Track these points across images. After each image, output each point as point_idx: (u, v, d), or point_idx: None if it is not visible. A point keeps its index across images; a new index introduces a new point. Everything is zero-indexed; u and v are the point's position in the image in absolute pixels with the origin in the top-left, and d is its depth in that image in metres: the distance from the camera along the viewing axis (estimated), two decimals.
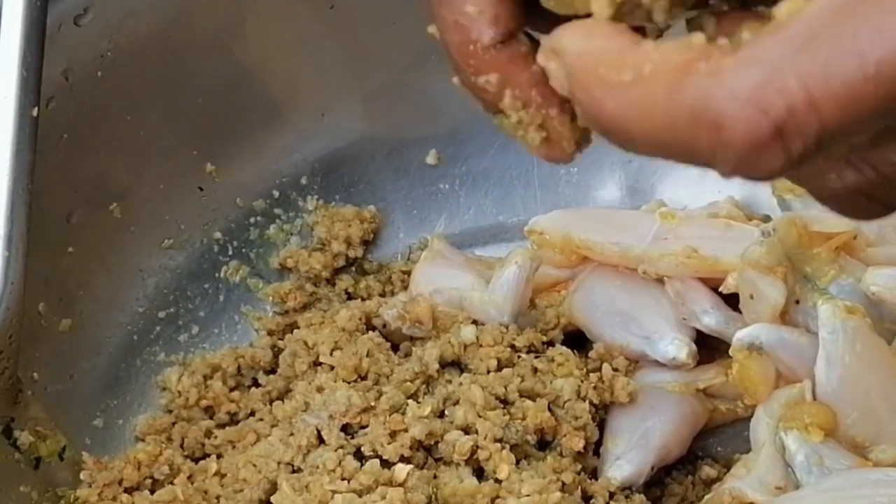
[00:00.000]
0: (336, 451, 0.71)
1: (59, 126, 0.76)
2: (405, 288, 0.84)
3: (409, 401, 0.73)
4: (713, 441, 0.77)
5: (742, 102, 0.35)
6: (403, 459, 0.71)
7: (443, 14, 0.43)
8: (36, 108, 0.70)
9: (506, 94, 0.43)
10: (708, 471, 0.75)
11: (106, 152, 0.80)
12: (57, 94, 0.75)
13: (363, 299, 0.84)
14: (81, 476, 0.76)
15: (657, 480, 0.75)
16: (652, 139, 0.37)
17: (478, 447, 0.71)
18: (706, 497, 0.71)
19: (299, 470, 0.73)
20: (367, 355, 0.76)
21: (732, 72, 0.35)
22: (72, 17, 0.75)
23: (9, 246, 0.69)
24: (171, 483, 0.76)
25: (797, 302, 0.71)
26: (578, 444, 0.72)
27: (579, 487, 0.71)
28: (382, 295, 0.85)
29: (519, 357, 0.76)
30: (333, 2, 0.83)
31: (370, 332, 0.78)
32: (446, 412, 0.73)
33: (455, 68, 0.43)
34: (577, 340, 0.79)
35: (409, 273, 0.85)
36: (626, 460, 0.73)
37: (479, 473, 0.71)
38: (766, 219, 0.81)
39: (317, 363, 0.79)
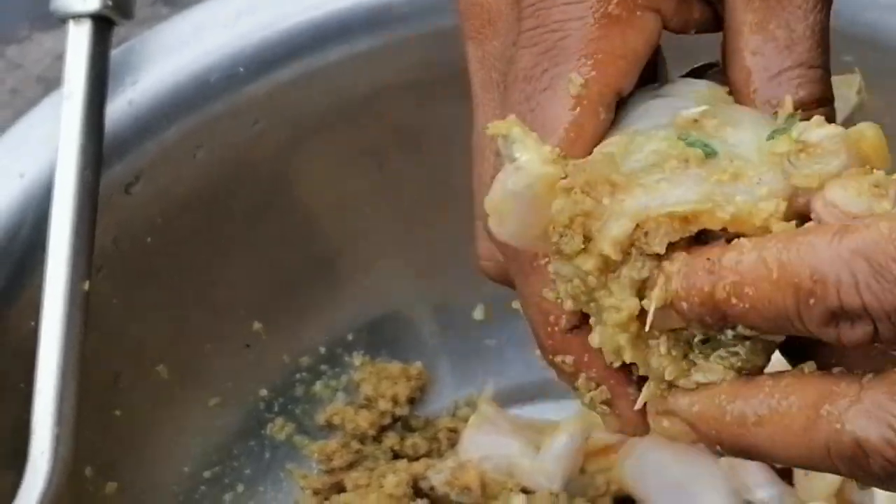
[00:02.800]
0: None
1: (109, 293, 0.76)
2: (452, 445, 0.84)
3: None
4: None
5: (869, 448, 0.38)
6: None
7: (525, 294, 0.45)
8: (87, 283, 0.70)
9: (580, 376, 0.45)
10: None
11: (154, 314, 0.80)
12: (107, 263, 0.75)
13: (410, 458, 0.84)
14: None
15: None
16: (793, 461, 0.40)
17: None
18: None
19: None
20: None
21: (856, 424, 0.39)
22: (123, 186, 0.76)
23: (59, 422, 0.69)
24: None
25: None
26: None
27: None
28: (428, 454, 0.84)
29: None
30: (381, 161, 0.83)
31: (418, 501, 0.78)
32: None
33: (537, 344, 0.45)
34: None
35: (455, 430, 0.84)
36: None
37: None
38: None
39: None
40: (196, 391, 0.83)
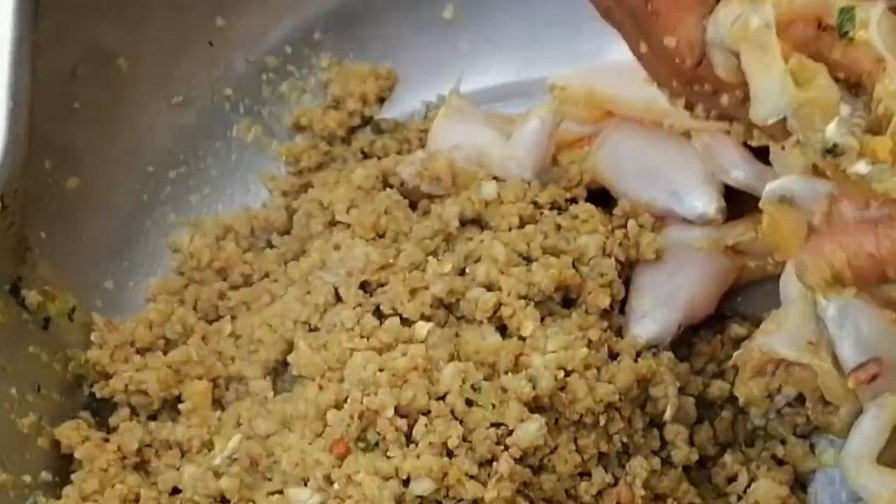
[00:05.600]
0: (354, 308, 0.69)
1: None
2: (423, 146, 0.82)
3: (429, 258, 0.70)
4: (742, 300, 0.75)
5: None
6: (424, 318, 0.69)
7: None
8: None
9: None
10: (737, 329, 0.74)
11: (112, 5, 0.77)
12: None
13: (380, 158, 0.82)
14: (92, 338, 0.74)
15: (685, 340, 0.74)
16: None
17: (501, 304, 0.69)
18: (735, 354, 0.70)
19: (316, 329, 0.71)
20: (385, 213, 0.74)
21: None
22: None
23: (13, 96, 0.68)
24: (185, 344, 0.74)
25: None
26: (604, 301, 0.70)
27: (605, 345, 0.69)
28: (399, 153, 0.82)
29: (542, 214, 0.73)
30: None
31: (388, 190, 0.76)
32: (467, 270, 0.71)
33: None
34: (601, 198, 0.77)
35: (426, 132, 0.82)
36: (651, 319, 0.72)
37: (503, 332, 0.69)
38: None
39: (332, 223, 0.76)
40: (158, 88, 0.81)
